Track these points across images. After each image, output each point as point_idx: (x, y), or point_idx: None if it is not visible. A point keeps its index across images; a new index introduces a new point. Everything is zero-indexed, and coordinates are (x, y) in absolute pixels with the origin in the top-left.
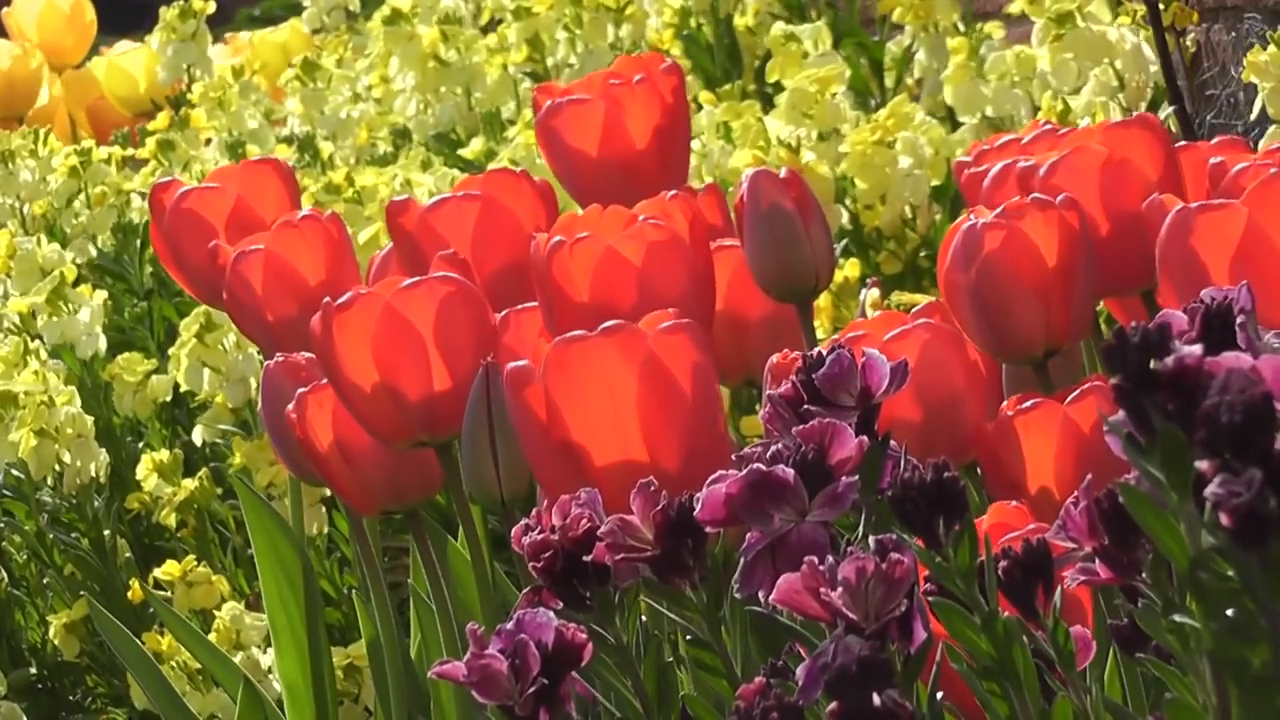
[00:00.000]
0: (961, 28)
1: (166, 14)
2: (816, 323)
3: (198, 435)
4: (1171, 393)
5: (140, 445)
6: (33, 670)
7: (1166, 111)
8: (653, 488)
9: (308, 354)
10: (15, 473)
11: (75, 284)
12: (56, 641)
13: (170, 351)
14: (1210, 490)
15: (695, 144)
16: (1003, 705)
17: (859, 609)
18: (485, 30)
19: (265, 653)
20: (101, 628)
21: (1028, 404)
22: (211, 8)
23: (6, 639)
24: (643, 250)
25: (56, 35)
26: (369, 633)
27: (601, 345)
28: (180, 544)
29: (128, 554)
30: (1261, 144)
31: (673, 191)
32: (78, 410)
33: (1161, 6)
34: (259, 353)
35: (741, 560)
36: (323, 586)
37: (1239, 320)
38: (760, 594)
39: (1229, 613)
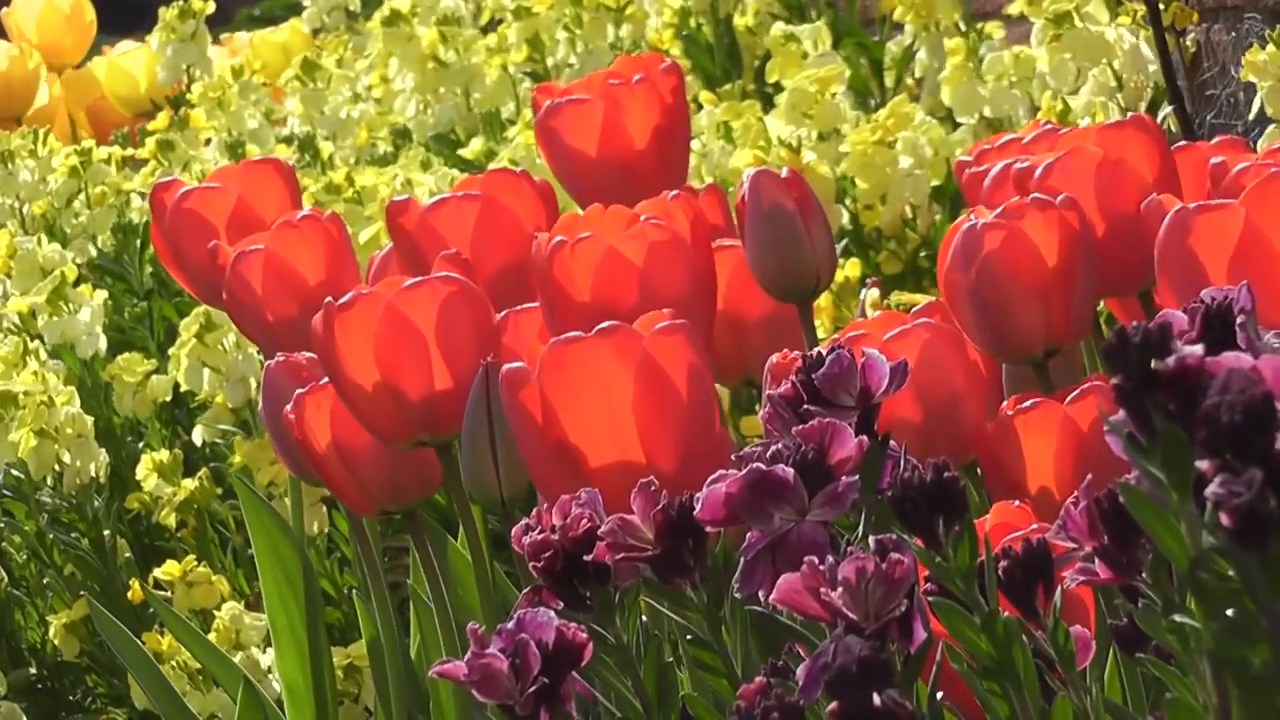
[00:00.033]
0: (963, 27)
1: (166, 14)
2: (817, 322)
3: (198, 435)
4: (1172, 392)
5: (140, 445)
6: (33, 670)
7: (1166, 111)
8: (653, 487)
9: (308, 354)
10: (15, 473)
11: (75, 284)
12: (56, 641)
13: (170, 351)
14: (1211, 490)
15: (695, 144)
16: (1003, 705)
17: (859, 609)
18: (485, 30)
19: (265, 652)
20: (101, 628)
21: (1028, 404)
22: (211, 8)
23: (6, 639)
24: (644, 250)
25: (56, 35)
26: (369, 633)
27: (597, 346)
28: (180, 544)
29: (128, 554)
30: (1260, 143)
31: (674, 191)
32: (77, 410)
33: (1161, 6)
34: (259, 353)
35: (742, 560)
36: (323, 586)
37: (1239, 320)
38: (760, 594)
39: (1229, 613)
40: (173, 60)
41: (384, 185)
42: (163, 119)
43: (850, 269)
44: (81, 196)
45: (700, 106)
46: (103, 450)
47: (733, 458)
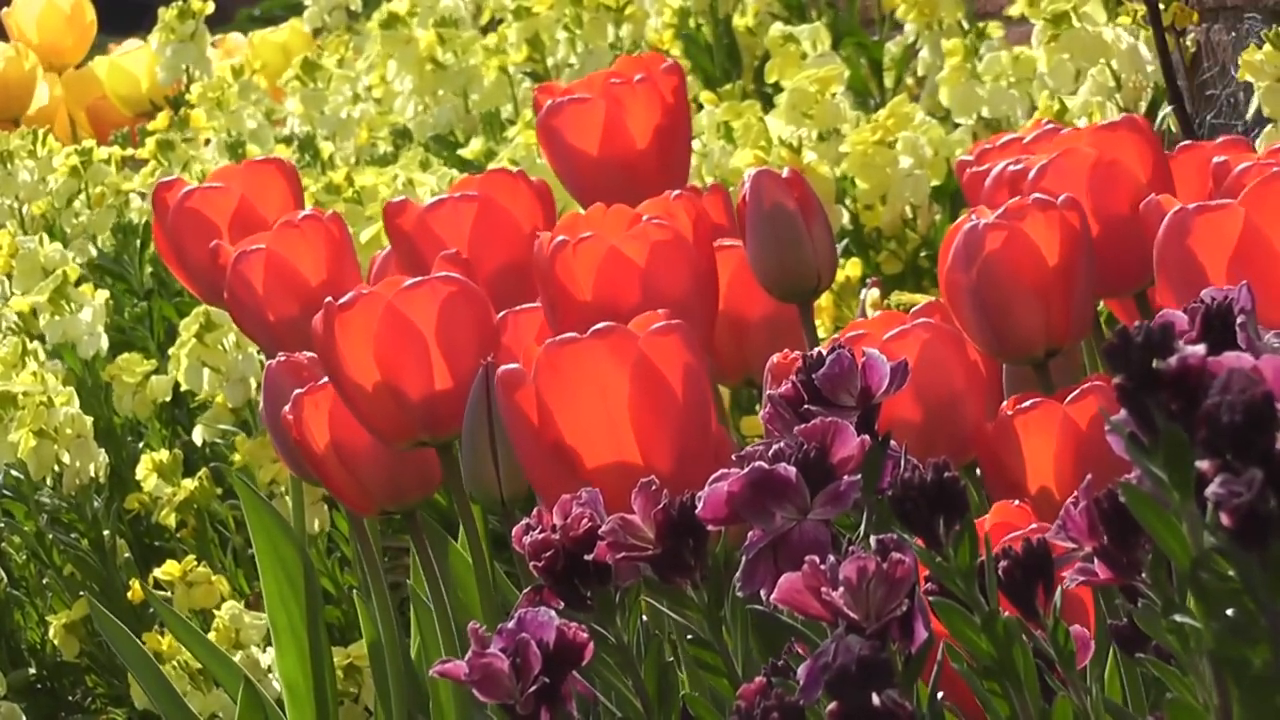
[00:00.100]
0: (965, 26)
1: (165, 14)
2: (817, 322)
3: (198, 435)
4: (1174, 392)
5: (140, 445)
6: (32, 670)
7: (1166, 111)
8: (654, 487)
9: (309, 354)
10: (15, 473)
11: (76, 284)
12: (56, 642)
13: (170, 351)
14: (1211, 490)
15: (696, 144)
16: (1003, 705)
17: (860, 608)
18: (485, 30)
19: (265, 652)
20: (101, 628)
21: (1028, 404)
22: (210, 8)
23: (6, 639)
24: (646, 250)
25: (57, 36)
26: (369, 633)
27: (593, 347)
28: (180, 544)
29: (127, 554)
30: (1259, 143)
31: (677, 191)
32: (77, 410)
33: (1161, 6)
34: (259, 352)
35: (743, 558)
36: (323, 585)
37: (1239, 320)
38: (761, 593)
39: (1229, 613)
40: (172, 60)
41: (384, 185)
42: (163, 119)
43: (850, 269)
44: (81, 196)
45: (700, 106)
46: (102, 450)
47: (734, 457)
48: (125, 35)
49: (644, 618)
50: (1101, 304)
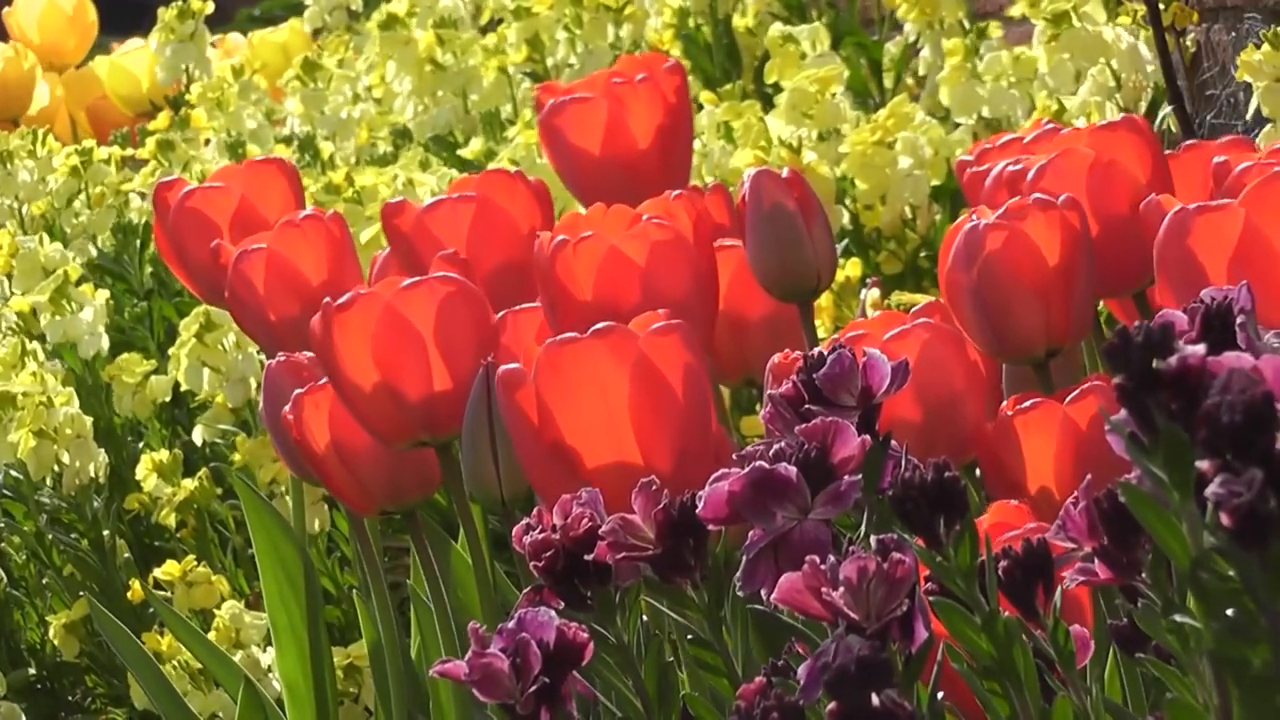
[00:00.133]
0: (966, 26)
1: (165, 14)
2: (817, 322)
3: (198, 435)
4: (1174, 392)
5: (140, 445)
6: (32, 670)
7: (1166, 111)
8: (654, 486)
9: (309, 354)
10: (14, 473)
11: (77, 284)
12: (56, 642)
13: (170, 351)
14: (1211, 490)
15: (696, 144)
16: (1003, 705)
17: (860, 608)
18: (485, 30)
19: (265, 652)
20: (101, 628)
21: (1028, 404)
22: (210, 8)
23: (6, 639)
24: (646, 250)
25: (58, 36)
26: (369, 633)
27: (593, 347)
28: (180, 544)
29: (127, 554)
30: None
31: (677, 191)
32: (76, 411)
33: (1161, 6)
34: (259, 352)
35: (744, 558)
36: (323, 585)
37: (1239, 320)
38: (762, 593)
39: (1229, 613)
40: (171, 60)
41: (384, 185)
42: (163, 119)
43: (851, 269)
44: (81, 196)
45: (700, 107)
46: (102, 450)
47: (734, 457)
48: (126, 35)
49: (644, 618)
50: (1101, 304)
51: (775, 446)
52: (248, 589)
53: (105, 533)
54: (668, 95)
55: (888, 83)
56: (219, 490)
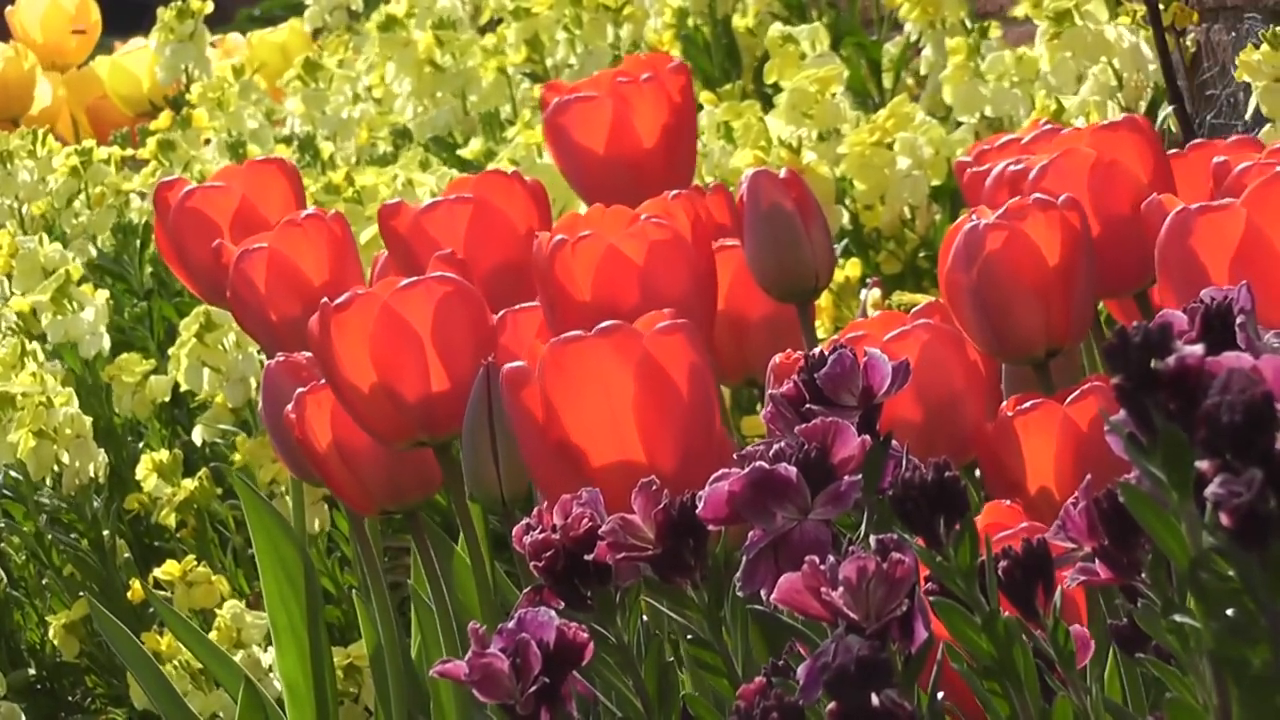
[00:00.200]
0: (968, 25)
1: (164, 14)
2: (817, 322)
3: (198, 435)
4: (1173, 392)
5: (140, 445)
6: (32, 671)
7: (1166, 111)
8: (654, 486)
9: (309, 354)
10: (14, 474)
11: (77, 284)
12: (56, 642)
13: (170, 351)
14: (1211, 490)
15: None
16: (1003, 705)
17: (860, 608)
18: (484, 30)
19: (266, 651)
20: (101, 628)
21: (1028, 404)
22: (209, 8)
23: (6, 639)
24: (645, 249)
25: (60, 35)
26: (369, 633)
27: (597, 346)
28: (180, 544)
29: (127, 554)
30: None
31: (675, 191)
32: (76, 411)
33: (1161, 6)
34: (259, 352)
35: (744, 558)
36: (323, 585)
37: (1239, 320)
38: (762, 593)
39: (1229, 613)
40: (171, 60)
41: (384, 185)
42: (164, 119)
43: (850, 269)
44: (81, 196)
45: (700, 107)
46: (102, 450)
47: (735, 457)
48: (127, 35)
49: (644, 617)
50: (1101, 304)
51: (775, 447)
52: (248, 589)
53: (105, 533)
54: (673, 95)
55: (887, 83)
56: (219, 490)
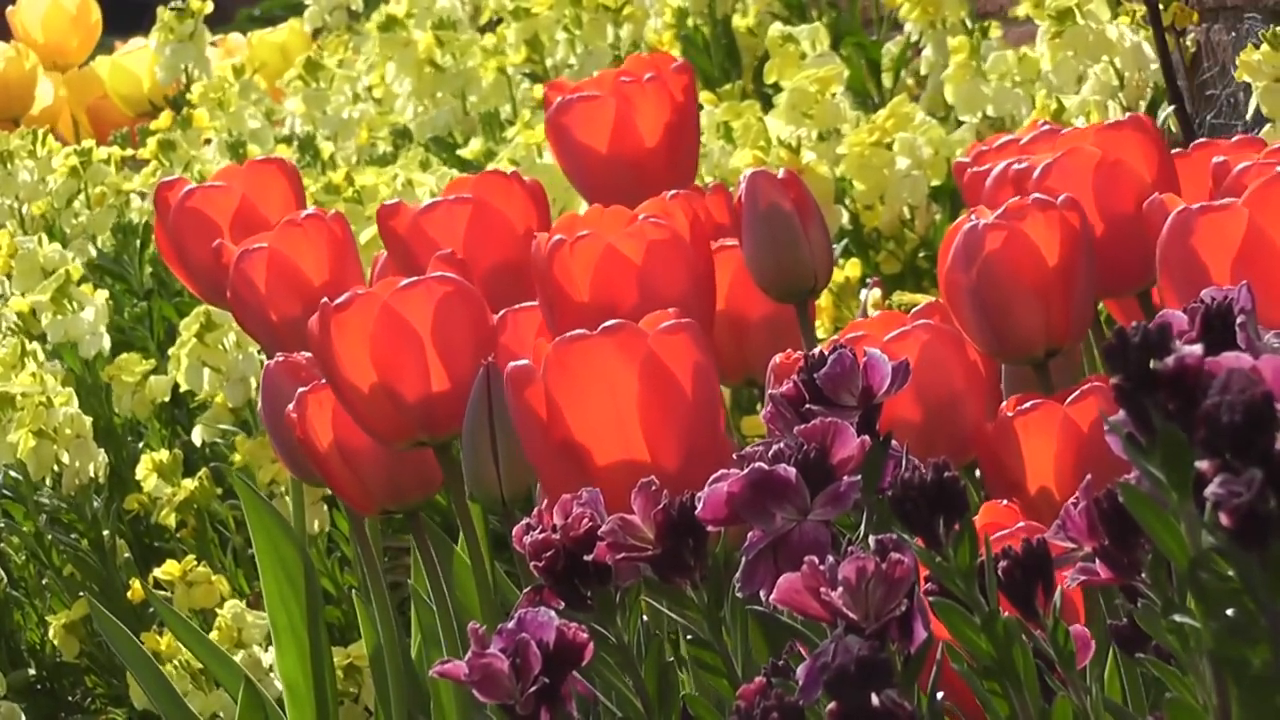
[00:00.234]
0: (968, 25)
1: (164, 14)
2: (817, 322)
3: (197, 435)
4: (1172, 392)
5: (140, 445)
6: (32, 671)
7: (1167, 111)
8: (654, 487)
9: (309, 354)
10: (14, 474)
11: (77, 284)
12: (56, 642)
13: (170, 351)
14: (1210, 490)
15: None
16: (1003, 705)
17: (859, 609)
18: (484, 30)
19: (267, 651)
20: (101, 628)
21: (1027, 404)
22: (209, 8)
23: (6, 639)
24: (643, 249)
25: (61, 35)
26: (369, 633)
27: (602, 345)
28: (180, 544)
29: (127, 554)
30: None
31: (673, 191)
32: (76, 411)
33: (1161, 6)
34: (259, 352)
35: (743, 559)
36: (323, 585)
37: (1239, 320)
38: (761, 593)
39: (1229, 613)
40: (171, 60)
41: (384, 185)
42: (164, 119)
43: (850, 269)
44: (81, 197)
45: (700, 107)
46: (102, 450)
47: (734, 457)
48: (127, 35)
49: (644, 617)
50: (1101, 304)
51: (775, 447)
52: (248, 589)
53: (105, 533)
54: (675, 94)
55: (887, 83)
56: (219, 490)
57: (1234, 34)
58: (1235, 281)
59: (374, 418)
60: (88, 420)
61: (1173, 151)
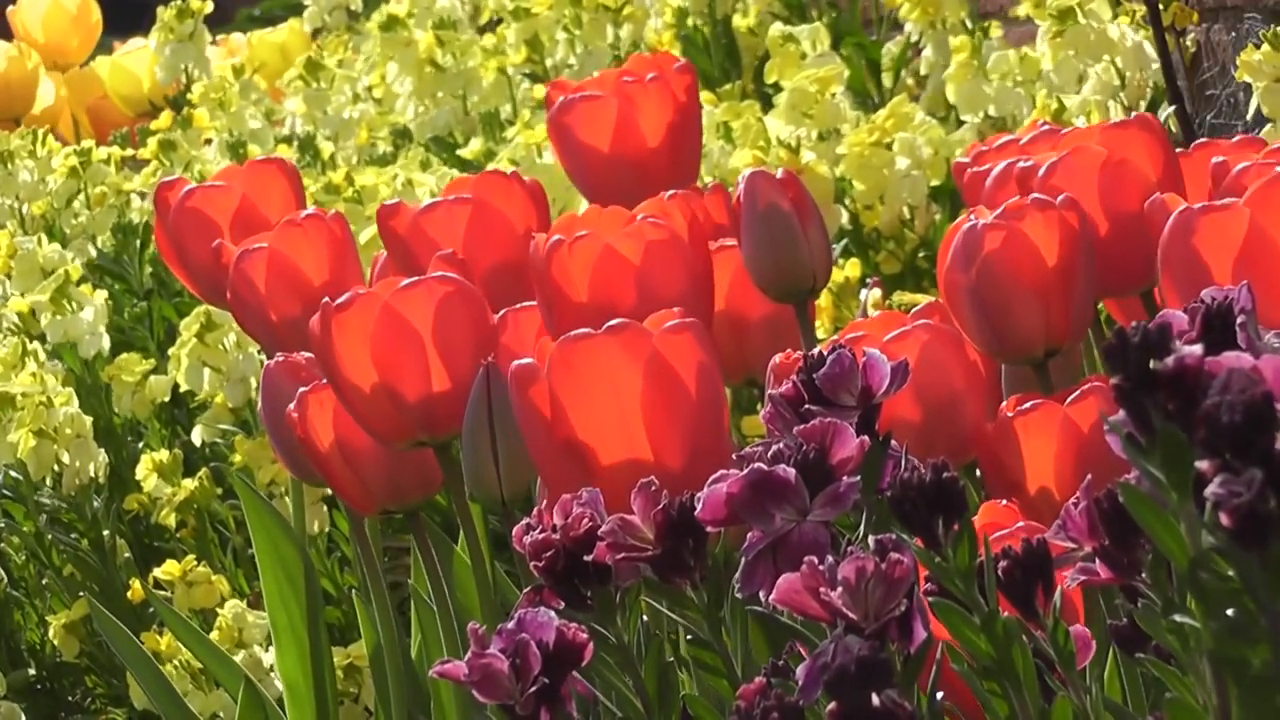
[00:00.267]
0: (968, 25)
1: (164, 14)
2: (817, 323)
3: (197, 435)
4: (1172, 392)
5: (140, 445)
6: (32, 671)
7: (1167, 111)
8: (654, 487)
9: (308, 354)
10: (14, 474)
11: (77, 284)
12: (56, 642)
13: (170, 351)
14: (1210, 490)
15: None
16: (1003, 705)
17: (859, 609)
18: (483, 30)
19: (268, 651)
20: (101, 628)
21: (1027, 404)
22: (209, 8)
23: (6, 639)
24: (641, 249)
25: (62, 35)
26: (369, 634)
27: (606, 344)
28: (180, 544)
29: (127, 554)
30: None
31: (671, 191)
32: (76, 410)
33: (1161, 6)
34: (259, 352)
35: (742, 560)
36: (323, 585)
37: (1239, 320)
38: (761, 594)
39: (1229, 613)
40: (171, 60)
41: (384, 185)
42: (165, 119)
43: (850, 269)
44: (81, 197)
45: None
46: (102, 450)
47: (734, 457)
48: (126, 35)
49: (644, 618)
50: (1101, 304)
51: (774, 448)
52: (248, 589)
53: (105, 533)
54: (678, 94)
55: (887, 82)
56: (219, 490)
57: (1234, 34)
58: (1237, 281)
59: (375, 417)
60: (88, 420)
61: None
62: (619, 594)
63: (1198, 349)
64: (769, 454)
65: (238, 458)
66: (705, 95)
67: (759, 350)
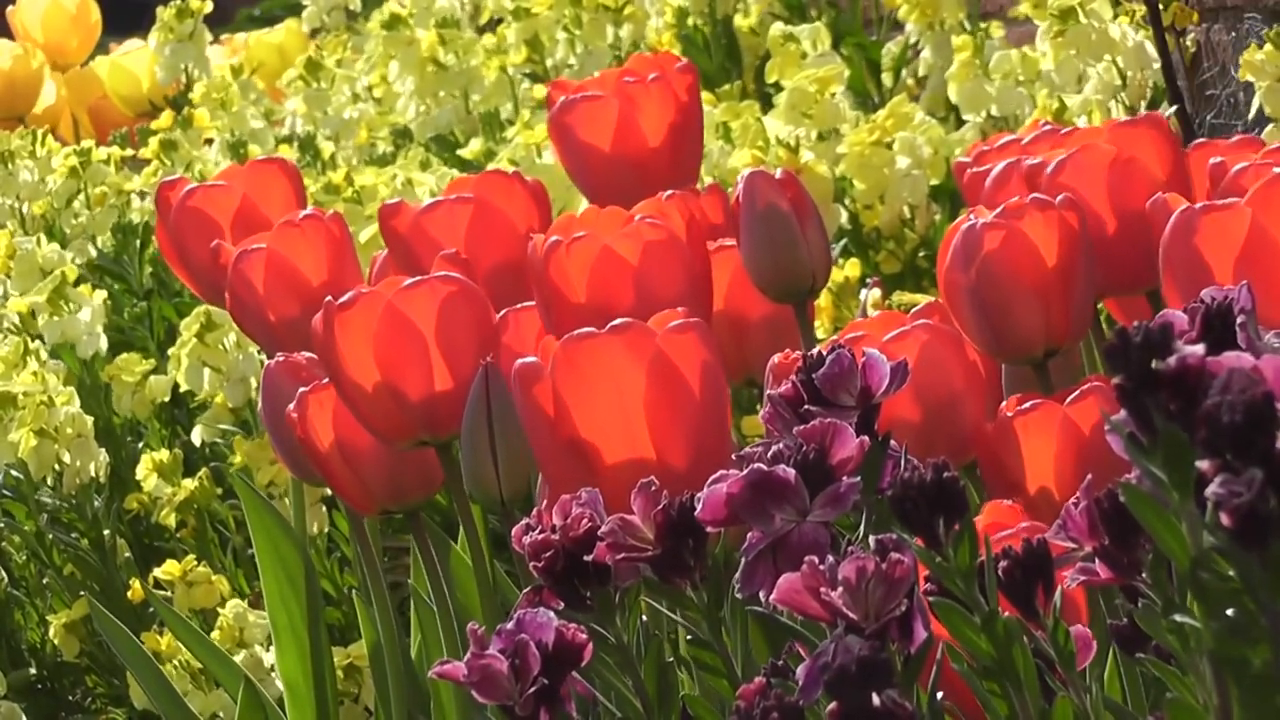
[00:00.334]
0: (967, 26)
1: (163, 14)
2: (817, 323)
3: (197, 435)
4: (1173, 392)
5: (140, 445)
6: (32, 670)
7: (1167, 112)
8: (654, 487)
9: (309, 354)
10: (15, 473)
11: (75, 284)
12: (56, 641)
13: (170, 351)
14: (1211, 490)
15: None
16: (1003, 705)
17: (859, 609)
18: (483, 30)
19: (268, 651)
20: (102, 627)
21: (1027, 404)
22: (209, 7)
23: (6, 639)
24: (639, 250)
25: (61, 35)
26: (369, 634)
27: (610, 343)
28: (180, 544)
29: (127, 554)
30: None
31: (669, 191)
32: (77, 410)
33: (1161, 6)
34: (259, 352)
35: (742, 560)
36: (323, 586)
37: (1239, 320)
38: (761, 594)
39: (1229, 612)
40: (171, 60)
41: (384, 185)
42: (165, 119)
43: (850, 269)
44: (81, 197)
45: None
46: (102, 450)
47: (734, 457)
48: (126, 35)
49: (643, 618)
50: (1101, 304)
51: (774, 448)
52: (248, 589)
53: (105, 533)
54: (679, 94)
55: (887, 82)
56: (219, 490)
57: (1234, 34)
58: (1238, 281)
59: (377, 417)
60: (89, 420)
61: None
62: (618, 594)
63: (1199, 349)
64: (769, 454)
65: (238, 458)
66: (705, 95)
67: (758, 350)
